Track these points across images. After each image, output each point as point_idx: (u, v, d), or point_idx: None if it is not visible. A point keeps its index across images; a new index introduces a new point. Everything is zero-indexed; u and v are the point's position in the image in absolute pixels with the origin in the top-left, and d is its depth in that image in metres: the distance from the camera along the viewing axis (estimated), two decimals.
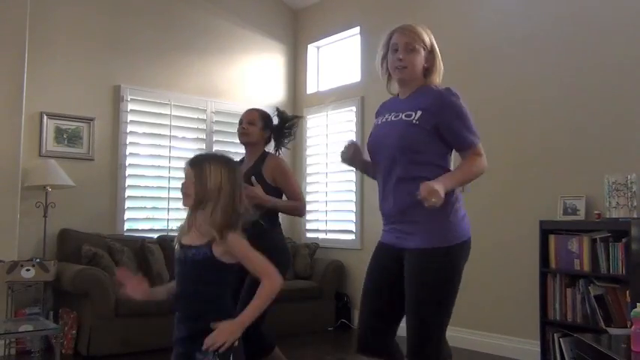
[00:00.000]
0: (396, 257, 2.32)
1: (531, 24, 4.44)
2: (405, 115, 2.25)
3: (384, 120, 2.36)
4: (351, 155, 2.45)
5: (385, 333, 2.33)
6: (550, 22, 4.32)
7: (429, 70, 2.35)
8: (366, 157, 2.46)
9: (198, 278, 1.97)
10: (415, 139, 2.22)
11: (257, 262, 1.96)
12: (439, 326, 2.21)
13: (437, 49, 2.39)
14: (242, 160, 3.35)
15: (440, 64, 2.39)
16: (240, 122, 3.38)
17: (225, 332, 1.87)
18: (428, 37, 2.35)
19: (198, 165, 1.99)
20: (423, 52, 2.32)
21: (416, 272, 2.21)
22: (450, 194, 2.17)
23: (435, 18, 5.17)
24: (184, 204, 2.03)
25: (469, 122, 2.26)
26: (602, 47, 4.01)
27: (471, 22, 4.87)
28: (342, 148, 2.47)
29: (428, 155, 2.24)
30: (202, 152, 2.08)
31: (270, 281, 1.94)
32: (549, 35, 4.32)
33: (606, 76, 3.98)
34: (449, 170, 2.27)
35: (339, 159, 2.51)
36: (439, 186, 2.06)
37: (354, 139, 2.46)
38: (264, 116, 3.41)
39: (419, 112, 2.23)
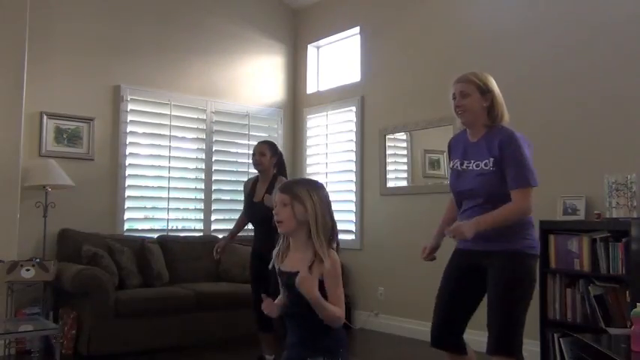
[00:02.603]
0: (472, 261, 2.64)
1: (530, 23, 4.43)
2: (484, 164, 2.58)
3: (463, 167, 2.68)
4: (431, 255, 2.83)
5: (459, 328, 2.68)
6: (550, 22, 4.32)
7: (492, 108, 2.63)
8: (438, 240, 2.83)
9: (299, 302, 2.02)
10: (493, 184, 2.55)
11: (340, 291, 2.04)
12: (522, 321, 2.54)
13: (495, 89, 2.65)
14: (257, 179, 4.16)
15: (500, 103, 2.64)
16: (254, 154, 4.13)
17: (307, 283, 1.97)
18: (481, 81, 2.63)
19: (291, 190, 2.08)
20: (478, 94, 2.61)
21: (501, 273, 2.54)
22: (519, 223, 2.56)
23: (435, 17, 5.18)
24: (281, 231, 2.10)
25: (521, 167, 2.52)
26: (602, 47, 4.01)
27: (470, 21, 4.87)
28: (424, 256, 2.84)
29: (506, 190, 2.55)
30: (291, 179, 2.42)
31: (339, 311, 2.02)
32: (549, 35, 4.31)
33: (606, 76, 3.98)
34: None
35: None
36: (468, 228, 2.43)
37: (426, 248, 2.83)
38: (271, 146, 4.16)
39: (491, 160, 2.56)
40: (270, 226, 3.16)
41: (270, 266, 2.17)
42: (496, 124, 2.62)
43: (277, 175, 4.10)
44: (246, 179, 6.10)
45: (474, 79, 2.62)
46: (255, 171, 4.22)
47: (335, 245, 2.09)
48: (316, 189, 2.10)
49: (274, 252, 2.15)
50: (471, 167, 2.63)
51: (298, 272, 1.99)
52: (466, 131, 2.73)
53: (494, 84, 2.66)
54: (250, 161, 5.78)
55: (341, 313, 2.01)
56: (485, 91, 2.61)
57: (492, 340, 2.49)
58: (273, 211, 2.10)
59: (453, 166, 2.74)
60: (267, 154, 4.09)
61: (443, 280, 2.75)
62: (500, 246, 2.53)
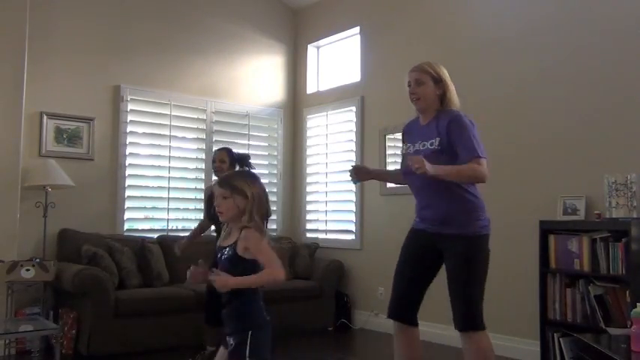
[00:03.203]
0: (430, 241, 2.84)
1: (530, 24, 4.44)
2: (429, 144, 2.77)
3: (413, 149, 2.86)
4: (359, 176, 3.04)
5: (415, 302, 2.89)
6: (550, 22, 4.32)
7: (443, 96, 2.83)
8: (375, 170, 3.06)
9: (228, 273, 2.28)
10: (438, 162, 2.65)
11: (266, 255, 2.27)
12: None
13: (447, 78, 2.84)
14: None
15: (451, 90, 2.85)
16: (214, 161, 4.42)
17: (221, 281, 2.24)
18: (434, 70, 2.83)
19: (229, 184, 2.35)
20: (432, 83, 2.81)
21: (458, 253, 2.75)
22: (469, 205, 2.77)
23: (435, 17, 5.18)
24: (222, 219, 2.38)
25: (473, 140, 2.70)
26: (603, 47, 4.01)
27: (469, 21, 4.87)
28: (350, 174, 3.08)
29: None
30: (228, 172, 2.74)
31: (271, 270, 2.25)
32: (549, 34, 4.31)
33: (606, 76, 3.98)
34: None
35: (351, 182, 3.09)
36: (429, 166, 2.55)
37: (355, 163, 2.91)
38: (229, 153, 4.45)
39: (437, 139, 2.74)
40: None
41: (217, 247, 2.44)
42: (444, 109, 2.82)
43: None
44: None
45: (429, 68, 2.83)
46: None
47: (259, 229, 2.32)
48: (253, 179, 2.39)
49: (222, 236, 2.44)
50: (418, 148, 2.83)
51: (229, 246, 2.31)
52: (418, 118, 2.94)
53: (446, 74, 2.85)
54: (250, 161, 5.96)
55: (271, 272, 2.24)
56: (439, 80, 2.82)
57: (458, 320, 2.71)
58: (215, 204, 2.38)
59: (405, 150, 2.94)
60: (226, 161, 4.36)
61: (400, 257, 2.94)
62: (455, 229, 2.74)
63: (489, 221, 2.84)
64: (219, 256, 2.37)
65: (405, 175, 2.93)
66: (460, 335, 2.73)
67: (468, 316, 2.70)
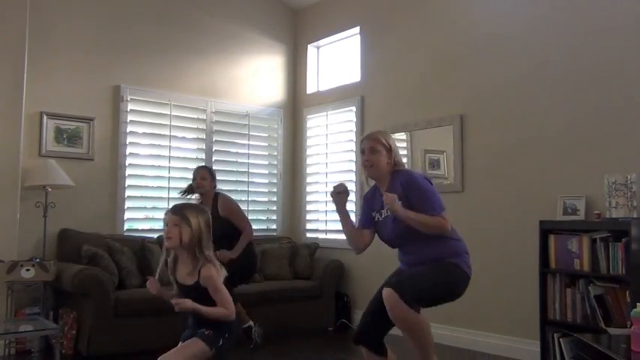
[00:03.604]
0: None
1: (530, 23, 4.43)
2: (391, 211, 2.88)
3: (382, 217, 3.03)
4: (336, 198, 3.14)
5: (380, 329, 2.91)
6: (550, 21, 4.32)
7: (394, 162, 3.03)
8: (345, 213, 3.16)
9: (200, 303, 2.55)
10: (406, 225, 2.84)
11: (223, 296, 2.55)
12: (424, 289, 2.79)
13: (394, 146, 3.04)
14: (200, 201, 4.60)
15: (398, 155, 3.05)
16: (194, 179, 4.61)
17: (186, 305, 2.51)
18: (386, 140, 3.02)
19: (180, 213, 2.55)
20: (384, 152, 3.00)
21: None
22: (449, 250, 2.90)
23: (435, 17, 5.17)
24: (167, 245, 2.59)
25: (432, 198, 2.88)
26: (603, 46, 4.01)
27: (469, 21, 4.87)
28: (334, 192, 3.14)
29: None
30: (179, 203, 2.85)
31: (227, 313, 2.55)
32: (549, 35, 4.31)
33: (606, 76, 3.98)
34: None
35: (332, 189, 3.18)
36: (400, 207, 2.78)
37: (340, 186, 3.16)
38: (210, 171, 4.68)
39: (399, 202, 2.83)
40: (230, 240, 4.47)
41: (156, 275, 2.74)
42: (395, 170, 3.01)
43: (217, 194, 4.62)
44: (246, 179, 6.17)
45: (382, 139, 3.01)
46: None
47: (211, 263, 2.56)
48: (202, 213, 2.59)
49: (161, 262, 2.73)
50: (385, 214, 2.99)
51: (192, 286, 2.56)
52: (376, 187, 3.11)
53: (394, 141, 3.07)
54: (249, 161, 6.23)
55: (227, 311, 2.54)
56: (389, 149, 3.00)
57: (394, 281, 2.79)
58: (164, 229, 2.57)
59: (376, 218, 3.07)
60: (207, 178, 4.57)
61: (378, 289, 2.96)
62: (430, 262, 2.86)
63: (470, 268, 2.91)
64: (180, 294, 2.62)
65: (385, 241, 3.09)
66: (384, 294, 2.72)
67: (403, 283, 2.74)
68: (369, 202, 3.14)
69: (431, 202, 2.86)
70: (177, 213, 2.55)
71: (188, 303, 2.49)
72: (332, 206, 6.44)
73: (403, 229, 2.87)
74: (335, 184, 3.14)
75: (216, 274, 2.52)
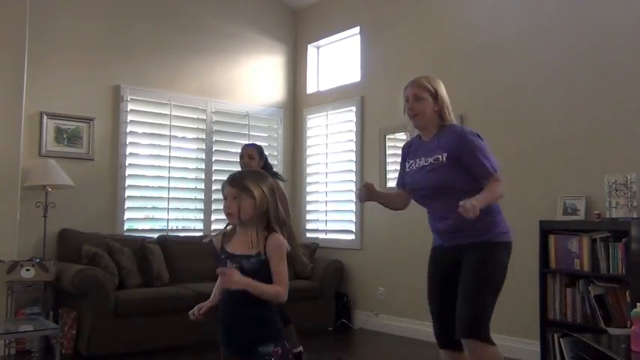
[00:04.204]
0: (451, 255, 2.71)
1: (530, 23, 4.43)
2: (434, 159, 2.67)
3: (416, 165, 2.77)
4: (366, 197, 2.83)
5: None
6: (549, 21, 4.32)
7: (440, 112, 2.74)
8: (382, 192, 2.89)
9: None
10: (447, 177, 2.63)
11: (283, 272, 2.14)
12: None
13: (444, 94, 2.76)
14: None
15: (448, 106, 2.76)
16: (242, 157, 4.20)
17: (231, 275, 2.03)
18: (432, 86, 2.75)
19: (239, 183, 2.15)
20: (430, 99, 2.72)
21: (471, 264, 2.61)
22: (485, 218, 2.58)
23: (435, 17, 5.17)
24: (231, 222, 2.18)
25: (487, 156, 2.64)
26: (603, 46, 4.01)
27: (469, 21, 4.87)
28: (358, 192, 2.88)
29: (461, 184, 2.62)
30: (237, 171, 2.39)
31: (283, 290, 2.13)
32: (549, 35, 4.31)
33: (606, 76, 3.98)
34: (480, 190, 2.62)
35: (358, 199, 2.93)
36: (477, 203, 2.43)
37: (366, 182, 2.87)
38: (258, 150, 4.24)
39: (444, 154, 2.64)
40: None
41: (217, 246, 2.24)
42: (446, 124, 2.74)
43: None
44: None
45: (427, 84, 2.75)
46: None
47: (285, 234, 2.18)
48: (263, 180, 2.19)
49: (216, 234, 2.27)
50: (422, 164, 2.73)
51: (253, 255, 2.11)
52: (419, 136, 2.84)
53: (443, 88, 2.78)
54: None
55: (280, 289, 2.11)
56: (436, 96, 2.73)
57: (461, 325, 2.52)
58: (224, 204, 2.18)
59: (408, 167, 2.83)
60: (255, 157, 4.19)
61: (428, 282, 2.80)
62: (470, 238, 2.61)
63: (509, 228, 2.70)
64: (229, 264, 2.13)
65: (411, 191, 2.83)
66: (464, 346, 2.54)
67: (472, 320, 2.51)
68: (406, 152, 2.89)
69: (486, 162, 2.62)
70: (236, 183, 2.15)
71: (242, 280, 2.03)
72: (332, 206, 6.43)
73: (443, 180, 2.63)
74: (358, 192, 2.89)
75: (284, 247, 2.13)
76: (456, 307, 2.58)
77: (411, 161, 2.82)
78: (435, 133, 2.74)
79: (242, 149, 4.30)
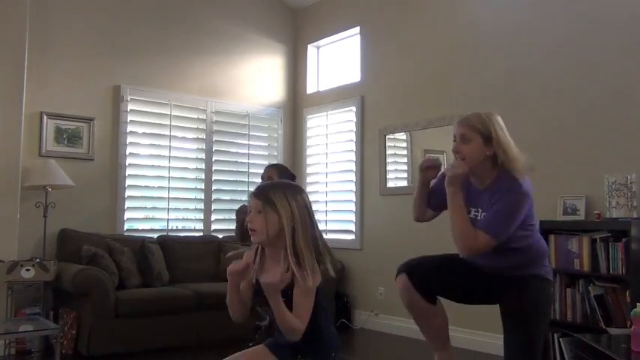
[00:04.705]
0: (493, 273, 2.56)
1: (530, 24, 4.43)
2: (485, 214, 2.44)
3: (471, 216, 2.49)
4: (425, 168, 2.64)
5: (436, 283, 2.55)
6: (550, 22, 4.32)
7: (496, 157, 2.42)
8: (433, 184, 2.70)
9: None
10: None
11: (305, 307, 1.90)
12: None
13: (500, 136, 2.42)
14: None
15: (507, 150, 2.42)
16: (262, 178, 4.19)
17: (271, 285, 1.83)
18: (484, 125, 2.41)
19: (265, 195, 1.87)
20: (480, 141, 2.40)
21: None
22: (532, 254, 2.51)
23: (435, 17, 5.17)
24: (254, 240, 1.93)
25: (504, 219, 2.36)
26: (603, 46, 4.00)
27: (470, 21, 4.87)
28: (425, 160, 2.68)
29: (514, 235, 2.42)
30: (267, 182, 2.14)
31: (299, 325, 1.88)
32: (549, 35, 4.31)
33: (606, 76, 3.98)
34: (533, 231, 2.52)
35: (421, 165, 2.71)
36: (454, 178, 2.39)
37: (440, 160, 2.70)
38: (280, 171, 4.19)
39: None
40: None
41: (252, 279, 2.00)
42: (507, 171, 2.41)
43: None
44: (246, 179, 6.16)
45: (478, 123, 2.41)
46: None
47: (326, 259, 1.92)
48: (295, 194, 1.88)
49: (249, 259, 2.01)
50: (474, 216, 2.49)
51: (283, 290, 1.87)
52: (469, 176, 2.54)
53: (500, 127, 2.43)
54: (249, 161, 6.22)
55: (299, 325, 1.86)
56: (489, 138, 2.40)
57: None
58: (247, 218, 1.90)
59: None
60: (274, 178, 4.12)
61: (452, 259, 2.59)
62: (518, 272, 2.48)
63: (552, 271, 2.64)
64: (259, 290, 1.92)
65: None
66: None
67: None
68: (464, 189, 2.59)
69: (499, 223, 2.35)
70: (261, 196, 1.87)
71: (277, 287, 1.82)
72: (332, 206, 6.42)
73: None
74: (425, 158, 2.67)
75: (314, 278, 1.91)
76: (505, 345, 2.52)
77: (467, 206, 2.51)
78: (492, 181, 2.44)
79: (264, 170, 4.30)
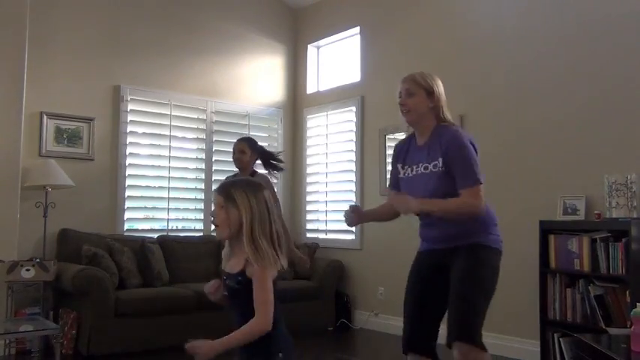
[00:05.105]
0: (438, 258, 2.62)
1: (530, 23, 4.43)
2: (433, 166, 2.55)
3: (412, 172, 2.63)
4: (356, 220, 2.76)
5: (432, 334, 2.62)
6: (549, 22, 4.32)
7: (435, 109, 2.62)
8: (370, 211, 2.91)
9: (240, 305, 1.94)
10: (445, 185, 2.50)
11: (263, 297, 1.89)
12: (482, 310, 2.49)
13: (440, 92, 2.65)
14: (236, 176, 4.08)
15: (443, 104, 2.64)
16: (234, 152, 4.19)
17: (201, 348, 1.86)
18: (427, 81, 2.64)
19: (226, 191, 1.97)
20: (424, 95, 2.61)
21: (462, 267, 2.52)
22: (478, 222, 2.56)
23: (434, 17, 5.17)
24: (217, 236, 2.02)
25: (470, 166, 2.49)
26: (603, 46, 4.00)
27: (469, 21, 4.87)
28: (345, 216, 2.73)
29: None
30: (231, 179, 2.11)
31: (258, 320, 1.89)
32: (549, 35, 4.31)
33: (606, 76, 3.98)
34: None
35: (346, 224, 2.80)
36: (414, 202, 2.46)
37: (353, 203, 2.73)
38: (250, 144, 4.21)
39: (440, 160, 2.52)
40: None
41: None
42: (441, 124, 2.62)
43: (254, 172, 4.23)
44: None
45: (421, 79, 2.64)
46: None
47: (281, 253, 1.96)
48: (255, 191, 1.97)
49: (223, 254, 2.06)
50: (420, 171, 2.60)
51: (235, 274, 1.93)
52: (413, 135, 2.70)
53: (440, 85, 2.67)
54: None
55: (258, 322, 1.88)
56: (431, 92, 2.61)
57: (454, 328, 2.40)
58: (210, 213, 2.02)
59: (403, 173, 2.69)
60: (246, 152, 4.17)
61: (408, 284, 2.71)
62: (462, 241, 2.53)
63: (502, 241, 2.66)
64: (224, 279, 2.02)
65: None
66: (455, 350, 2.40)
67: (466, 323, 2.41)
68: (400, 154, 2.73)
69: (471, 171, 2.47)
70: (223, 191, 1.98)
71: (215, 347, 1.85)
72: (332, 206, 6.43)
73: (440, 188, 2.51)
74: (346, 216, 2.74)
75: (268, 269, 1.91)
76: (448, 309, 2.50)
77: (406, 167, 2.68)
78: (430, 134, 2.61)
79: (234, 145, 4.27)
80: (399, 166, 2.71)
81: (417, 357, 2.61)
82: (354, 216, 2.71)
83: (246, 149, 4.17)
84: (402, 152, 2.72)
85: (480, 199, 2.48)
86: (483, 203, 2.50)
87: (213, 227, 2.05)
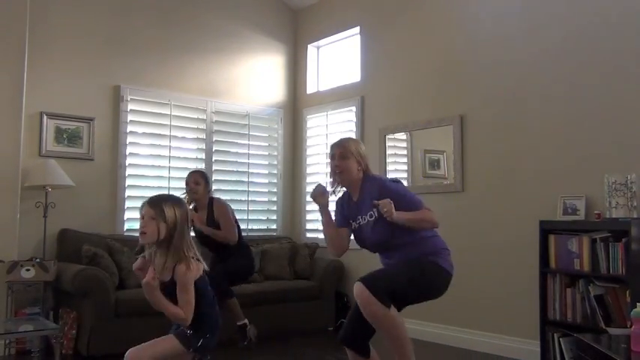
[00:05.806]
0: None
1: (530, 23, 4.44)
2: (369, 216, 2.98)
3: (359, 223, 3.06)
4: (320, 201, 3.11)
5: (366, 333, 2.95)
6: (550, 21, 4.32)
7: (362, 167, 3.07)
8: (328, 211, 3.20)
9: (172, 299, 2.44)
10: (386, 230, 2.92)
11: (187, 297, 2.40)
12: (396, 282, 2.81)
13: (364, 153, 3.10)
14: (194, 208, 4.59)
15: (367, 162, 3.10)
16: (187, 183, 4.56)
17: (147, 279, 2.37)
18: (356, 148, 3.07)
19: (157, 205, 2.41)
20: (354, 158, 3.05)
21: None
22: (429, 246, 2.96)
23: (434, 17, 5.17)
24: (142, 241, 2.46)
25: (412, 197, 2.99)
26: (603, 46, 4.01)
27: (469, 21, 4.87)
28: (316, 192, 3.10)
29: (401, 230, 2.90)
30: (157, 195, 2.66)
31: (181, 316, 2.41)
32: (549, 35, 4.31)
33: (606, 76, 3.98)
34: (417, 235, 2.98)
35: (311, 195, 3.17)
36: (396, 214, 2.81)
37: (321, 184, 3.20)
38: (203, 176, 4.63)
39: (375, 210, 2.90)
40: (227, 247, 4.58)
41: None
42: (366, 175, 3.07)
43: (212, 199, 4.63)
44: (246, 179, 6.17)
45: (352, 146, 3.06)
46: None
47: (193, 255, 2.45)
48: (180, 206, 2.45)
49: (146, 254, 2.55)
50: (361, 222, 3.03)
51: (167, 282, 2.42)
52: (348, 194, 3.13)
53: (363, 148, 3.12)
54: (249, 161, 6.27)
55: (183, 315, 2.40)
56: (359, 157, 3.05)
57: (366, 274, 2.78)
58: (140, 223, 2.42)
59: (353, 226, 3.10)
60: (201, 183, 4.54)
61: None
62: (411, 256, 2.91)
63: (451, 264, 2.94)
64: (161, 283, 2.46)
65: (362, 245, 3.15)
66: (355, 289, 2.74)
67: (376, 275, 2.79)
68: (343, 209, 3.16)
69: (413, 201, 2.95)
70: (155, 205, 2.42)
71: (151, 287, 2.38)
72: (332, 206, 6.43)
73: (385, 235, 2.92)
74: (314, 188, 3.12)
75: (190, 273, 2.41)
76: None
77: (351, 221, 3.09)
78: (360, 189, 3.04)
79: (187, 176, 4.60)
80: (350, 221, 3.11)
81: (352, 353, 2.97)
82: (319, 197, 3.07)
83: (200, 180, 4.53)
84: (344, 209, 3.15)
85: (431, 212, 2.94)
86: (435, 216, 2.92)
87: (138, 234, 2.47)
